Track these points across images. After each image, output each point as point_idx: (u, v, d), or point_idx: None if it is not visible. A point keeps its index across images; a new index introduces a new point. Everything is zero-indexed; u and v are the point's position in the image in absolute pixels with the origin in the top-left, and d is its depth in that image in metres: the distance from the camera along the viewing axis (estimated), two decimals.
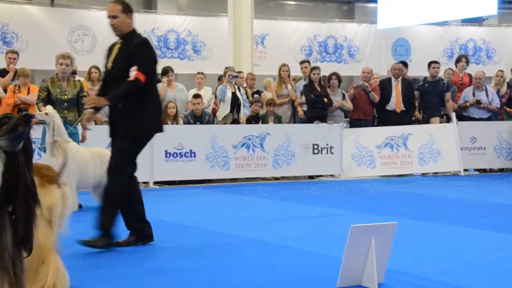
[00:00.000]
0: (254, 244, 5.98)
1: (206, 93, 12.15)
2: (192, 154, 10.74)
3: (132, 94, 5.60)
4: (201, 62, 17.15)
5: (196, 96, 11.40)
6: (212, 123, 11.43)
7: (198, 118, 11.20)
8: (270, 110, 11.77)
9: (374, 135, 11.94)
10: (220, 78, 12.68)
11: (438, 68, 12.49)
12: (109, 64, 5.81)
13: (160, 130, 5.89)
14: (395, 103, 12.22)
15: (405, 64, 13.02)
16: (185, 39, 17.58)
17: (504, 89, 12.83)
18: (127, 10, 5.75)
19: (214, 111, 11.85)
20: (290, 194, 9.78)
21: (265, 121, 11.71)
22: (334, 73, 12.42)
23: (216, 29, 17.35)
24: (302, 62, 12.68)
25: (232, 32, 14.56)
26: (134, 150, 5.77)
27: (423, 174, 12.09)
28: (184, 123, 11.18)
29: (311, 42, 19.55)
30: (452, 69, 13.43)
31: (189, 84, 13.21)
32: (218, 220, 7.36)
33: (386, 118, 12.31)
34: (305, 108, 11.89)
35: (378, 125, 12.48)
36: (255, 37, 16.54)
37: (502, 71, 13.37)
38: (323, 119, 11.67)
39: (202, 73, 12.60)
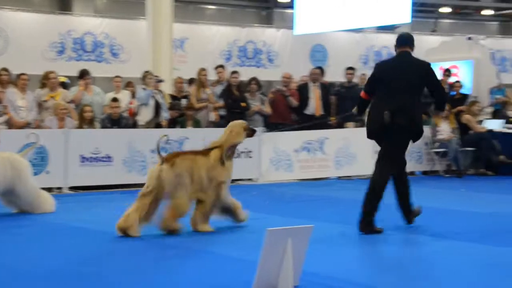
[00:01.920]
0: (170, 248, 5.94)
1: (124, 96, 11.99)
2: (109, 159, 10.56)
3: (358, 105, 7.30)
4: (119, 66, 16.88)
5: (114, 99, 11.24)
6: (131, 127, 11.28)
7: (115, 122, 11.03)
8: (189, 114, 11.73)
9: (292, 140, 12.08)
10: (128, 84, 12.58)
11: (352, 74, 12.80)
12: None
13: (372, 133, 7.02)
14: (314, 107, 12.42)
15: (321, 69, 13.26)
16: (103, 42, 17.26)
17: None
18: None
19: (131, 111, 11.72)
20: None
21: (183, 126, 11.65)
22: (254, 78, 12.51)
23: (135, 32, 17.12)
24: (217, 67, 12.71)
25: (151, 35, 14.41)
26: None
27: (339, 178, 12.31)
28: (102, 127, 10.99)
29: (231, 46, 19.59)
30: (365, 74, 13.78)
31: (106, 87, 13.00)
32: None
33: (305, 122, 12.48)
34: (223, 112, 11.91)
35: (296, 129, 12.63)
36: (175, 41, 16.43)
37: None
38: None
39: (120, 77, 12.44)
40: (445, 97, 7.39)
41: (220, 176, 6.66)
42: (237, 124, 7.04)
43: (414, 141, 7.09)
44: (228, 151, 6.76)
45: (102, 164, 10.46)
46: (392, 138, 6.81)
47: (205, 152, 6.73)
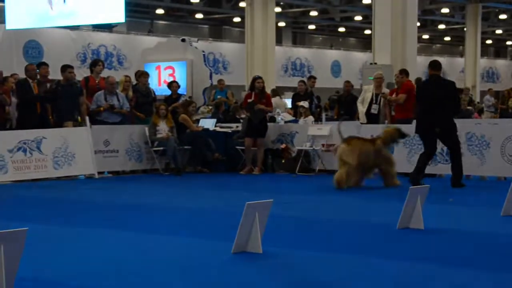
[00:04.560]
0: None
1: None
2: None
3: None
4: None
5: None
6: None
7: None
8: None
9: (5, 139, 11.42)
10: None
11: (71, 72, 12.51)
12: None
13: (419, 131, 10.30)
14: (36, 105, 11.95)
15: (45, 64, 12.77)
16: None
17: (131, 93, 13.37)
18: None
19: None
20: None
21: None
22: None
23: None
24: None
25: None
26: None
27: (58, 178, 11.95)
28: None
29: None
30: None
31: None
32: None
33: (26, 120, 11.92)
34: None
35: (17, 128, 12.00)
36: None
37: (128, 76, 13.95)
38: None
39: None
40: (458, 107, 10.72)
41: (386, 153, 10.44)
42: (392, 127, 10.86)
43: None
44: (391, 142, 10.54)
45: None
46: (446, 135, 10.08)
47: (372, 140, 10.42)
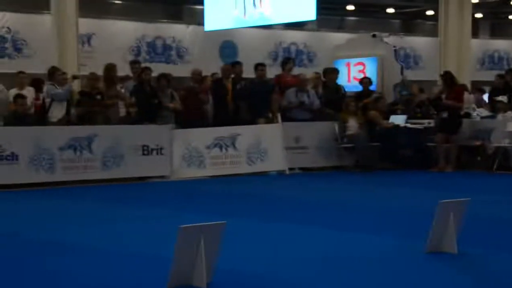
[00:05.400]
0: (80, 248, 5.80)
1: (28, 93, 11.60)
2: (14, 157, 10.21)
3: None
4: (23, 61, 16.31)
5: (20, 96, 10.91)
6: (39, 124, 10.94)
7: (20, 119, 10.67)
8: (99, 111, 11.50)
9: (203, 136, 12.04)
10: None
11: (264, 70, 12.89)
12: None
13: None
14: (228, 103, 12.48)
15: (238, 63, 13.30)
16: (4, 37, 16.65)
17: (321, 90, 13.45)
18: None
19: (38, 107, 11.38)
20: (119, 196, 9.62)
21: (93, 122, 11.40)
22: (163, 74, 12.40)
23: (39, 27, 16.60)
24: (132, 63, 12.55)
25: (56, 30, 14.08)
26: None
27: (251, 174, 12.36)
28: (5, 125, 10.61)
29: (139, 42, 19.33)
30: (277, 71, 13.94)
31: (9, 83, 12.54)
32: (40, 225, 7.06)
33: (220, 117, 12.49)
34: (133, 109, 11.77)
35: (212, 125, 12.61)
36: (81, 36, 16.05)
37: (318, 73, 14.05)
38: (152, 120, 11.59)
39: (24, 72, 12.05)
40: None
41: None
42: None
43: None
44: None
45: (7, 162, 10.11)
46: None
47: None
